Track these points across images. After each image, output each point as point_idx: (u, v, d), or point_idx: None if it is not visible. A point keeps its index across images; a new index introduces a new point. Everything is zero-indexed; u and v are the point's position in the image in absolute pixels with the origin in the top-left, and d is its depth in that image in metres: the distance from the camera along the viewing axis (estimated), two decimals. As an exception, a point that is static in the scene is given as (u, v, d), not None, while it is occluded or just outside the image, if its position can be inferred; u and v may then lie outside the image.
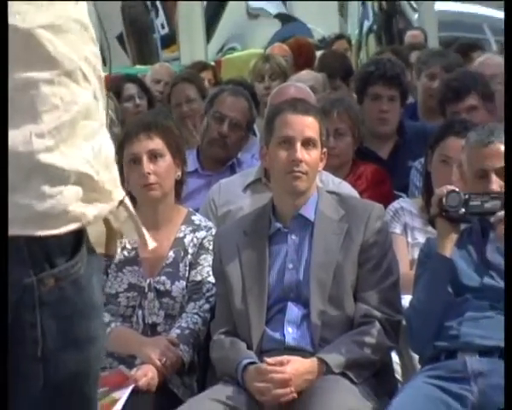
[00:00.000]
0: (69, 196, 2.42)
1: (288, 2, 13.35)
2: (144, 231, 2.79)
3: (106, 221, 2.72)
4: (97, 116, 2.55)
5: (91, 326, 2.79)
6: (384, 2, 13.29)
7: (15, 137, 2.38)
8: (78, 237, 2.57)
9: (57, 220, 2.44)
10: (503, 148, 5.08)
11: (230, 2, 13.56)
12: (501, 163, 5.03)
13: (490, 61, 8.05)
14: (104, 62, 2.68)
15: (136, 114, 8.01)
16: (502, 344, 4.77)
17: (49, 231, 2.42)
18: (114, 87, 9.28)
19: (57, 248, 2.52)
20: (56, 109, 2.39)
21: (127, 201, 2.68)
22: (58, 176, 2.39)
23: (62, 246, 2.54)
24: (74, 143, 2.43)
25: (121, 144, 5.74)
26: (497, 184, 4.99)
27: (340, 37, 12.23)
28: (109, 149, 2.65)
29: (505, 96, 3.63)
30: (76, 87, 2.44)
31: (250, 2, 13.50)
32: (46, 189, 2.38)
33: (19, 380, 2.61)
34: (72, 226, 2.45)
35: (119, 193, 2.63)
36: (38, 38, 2.41)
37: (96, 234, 2.63)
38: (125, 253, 5.47)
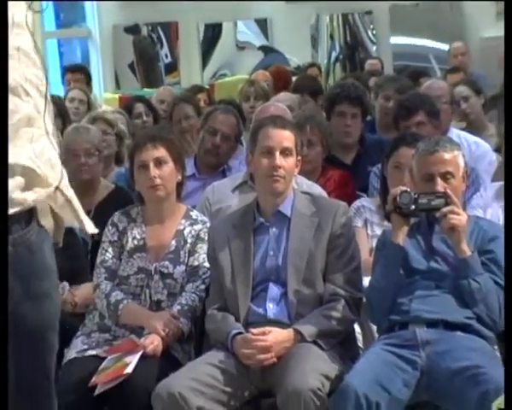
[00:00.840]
0: (12, 186, 2.48)
1: (269, 36, 13.32)
2: (83, 215, 2.82)
3: (53, 213, 2.81)
4: (40, 125, 2.59)
5: (45, 285, 2.91)
6: (348, 37, 13.28)
7: None
8: (30, 213, 2.74)
9: (10, 204, 2.56)
10: (446, 156, 5.14)
11: (222, 37, 13.53)
12: (444, 168, 5.09)
13: (435, 84, 8.09)
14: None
15: (144, 129, 8.01)
16: (445, 317, 4.88)
17: None
18: (126, 106, 9.31)
19: (15, 223, 2.67)
20: None
21: (64, 187, 2.72)
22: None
23: (18, 221, 2.67)
24: (18, 144, 2.45)
25: (132, 153, 5.77)
26: (441, 185, 5.04)
27: (312, 65, 12.22)
28: (52, 152, 2.68)
29: (505, 97, 3.60)
30: (18, 100, 2.45)
31: (238, 36, 13.49)
32: None
33: None
34: (16, 209, 2.57)
35: (56, 180, 2.68)
36: None
37: (48, 226, 2.70)
38: (135, 242, 5.50)
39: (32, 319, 2.92)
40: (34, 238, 2.75)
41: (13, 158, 2.47)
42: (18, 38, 2.75)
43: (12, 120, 2.46)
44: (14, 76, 2.56)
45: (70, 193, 2.78)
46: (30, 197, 2.57)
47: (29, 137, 2.51)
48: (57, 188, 2.67)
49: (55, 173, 2.66)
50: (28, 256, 2.77)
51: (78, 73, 11.72)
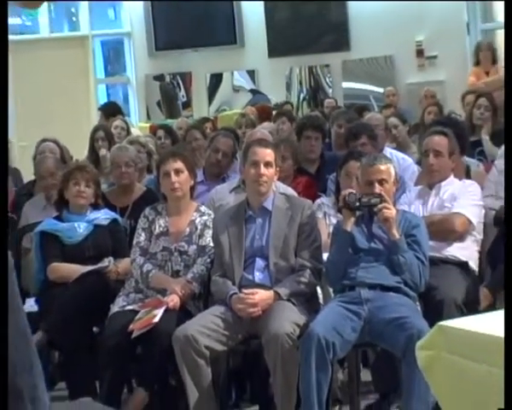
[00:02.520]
0: None
1: (256, 82, 13.29)
2: None
3: None
4: None
5: None
6: (312, 83, 13.24)
7: None
8: None
9: None
10: (381, 167, 5.14)
11: (223, 83, 13.54)
12: (380, 176, 5.10)
13: (373, 117, 8.06)
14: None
15: (163, 148, 8.00)
16: (381, 282, 4.91)
17: None
18: (154, 132, 9.34)
19: None
20: None
21: None
22: None
23: None
24: None
25: (158, 165, 5.80)
26: (378, 188, 5.05)
27: (286, 102, 12.16)
28: None
29: (505, 98, 3.09)
30: None
31: (234, 82, 13.49)
32: None
33: None
34: None
35: None
36: None
37: None
38: (161, 228, 5.47)
39: None
40: None
41: None
42: None
43: None
44: None
45: None
46: None
47: None
48: None
49: None
50: None
51: (117, 108, 11.69)
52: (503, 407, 2.90)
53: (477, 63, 11.14)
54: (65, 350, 5.55)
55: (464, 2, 12.53)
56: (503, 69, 11.35)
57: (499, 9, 13.29)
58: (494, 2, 13.24)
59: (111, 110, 11.17)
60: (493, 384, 3.19)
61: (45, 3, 11.71)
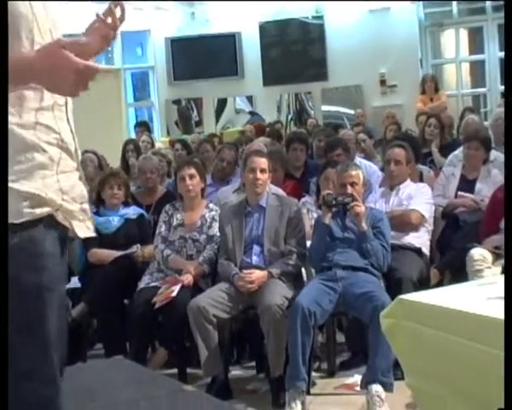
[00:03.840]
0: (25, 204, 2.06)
1: (253, 105, 13.28)
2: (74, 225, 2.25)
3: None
4: (53, 168, 2.13)
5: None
6: (298, 106, 13.23)
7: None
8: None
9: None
10: (353, 173, 5.13)
11: (227, 106, 13.54)
12: (352, 180, 5.08)
13: (347, 133, 8.08)
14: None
15: (180, 158, 7.97)
16: (353, 264, 4.89)
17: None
18: (173, 145, 9.33)
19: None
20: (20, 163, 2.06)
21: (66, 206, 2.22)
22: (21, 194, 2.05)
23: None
24: (32, 178, 2.09)
25: (176, 171, 5.79)
26: (350, 190, 5.03)
27: (277, 122, 12.12)
28: (78, 188, 2.25)
29: (505, 100, 2.84)
30: (35, 153, 2.09)
31: (236, 105, 13.49)
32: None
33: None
34: (27, 218, 2.08)
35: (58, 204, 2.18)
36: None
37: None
38: (178, 221, 5.46)
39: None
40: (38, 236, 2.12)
41: (25, 187, 2.06)
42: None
43: (27, 165, 2.08)
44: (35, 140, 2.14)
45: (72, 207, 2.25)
46: (37, 212, 2.08)
47: (43, 175, 2.11)
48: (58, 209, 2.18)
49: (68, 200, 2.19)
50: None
51: (146, 126, 11.77)
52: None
53: (423, 92, 11.39)
54: (102, 318, 5.55)
55: (418, 41, 12.56)
56: (445, 95, 11.48)
57: (446, 47, 13.32)
58: (443, 42, 13.27)
59: (144, 126, 11.57)
60: (440, 345, 3.18)
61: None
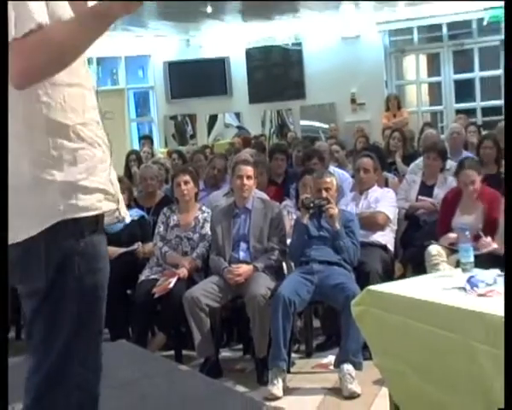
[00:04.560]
0: (93, 199, 1.94)
1: (241, 120, 13.26)
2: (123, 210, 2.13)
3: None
4: (107, 162, 2.01)
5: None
6: (279, 121, 13.22)
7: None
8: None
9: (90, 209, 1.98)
10: (327, 179, 5.12)
11: (218, 121, 13.50)
12: (326, 185, 5.06)
13: (322, 145, 8.07)
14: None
15: (176, 166, 7.92)
16: (327, 259, 4.86)
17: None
18: (170, 155, 9.29)
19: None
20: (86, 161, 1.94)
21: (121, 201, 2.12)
22: (88, 189, 1.93)
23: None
24: (96, 174, 1.95)
25: (172, 178, 5.80)
26: (325, 194, 5.02)
27: (261, 135, 12.07)
28: (115, 179, 2.09)
29: (505, 100, 2.43)
30: (94, 149, 1.96)
31: (225, 120, 13.42)
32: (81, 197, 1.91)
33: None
34: (96, 212, 1.97)
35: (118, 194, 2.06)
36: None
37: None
38: (174, 222, 5.42)
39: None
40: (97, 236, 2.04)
41: (94, 184, 1.95)
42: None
43: (93, 161, 1.95)
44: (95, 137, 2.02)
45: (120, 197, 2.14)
46: (106, 206, 2.00)
47: (103, 169, 1.99)
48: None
49: (116, 191, 2.08)
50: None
51: (147, 139, 11.72)
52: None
53: (388, 109, 11.41)
54: (107, 306, 5.50)
55: (383, 65, 12.59)
56: (406, 112, 11.52)
57: (408, 70, 13.36)
58: (405, 65, 13.30)
59: (148, 139, 11.62)
60: (402, 329, 3.19)
61: (94, 66, 11.56)
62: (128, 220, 2.19)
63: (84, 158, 1.92)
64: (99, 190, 1.96)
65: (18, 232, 1.86)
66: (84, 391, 1.99)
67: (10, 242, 1.86)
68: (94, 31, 1.80)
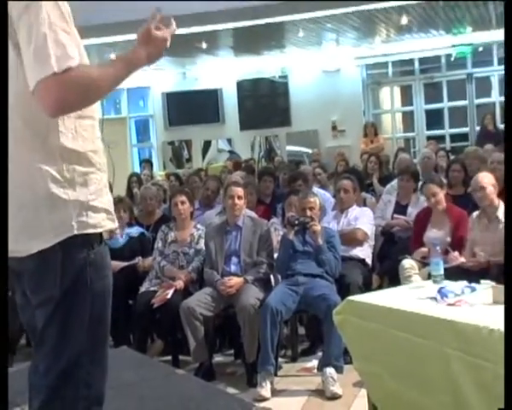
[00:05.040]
0: (101, 218, 2.01)
1: (232, 146, 13.27)
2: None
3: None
4: (107, 186, 2.07)
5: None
6: (267, 146, 13.23)
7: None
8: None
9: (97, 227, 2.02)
10: (311, 199, 5.13)
11: (211, 146, 13.48)
12: (310, 205, 5.07)
13: (306, 168, 8.10)
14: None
15: (173, 188, 7.89)
16: (311, 272, 4.84)
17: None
18: (168, 177, 9.27)
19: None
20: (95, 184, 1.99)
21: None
22: (96, 209, 1.98)
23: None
24: (103, 196, 2.01)
25: (170, 198, 5.80)
26: (309, 213, 5.02)
27: (251, 159, 12.01)
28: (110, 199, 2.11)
29: (505, 99, 2.52)
30: (101, 174, 2.02)
31: (218, 146, 13.38)
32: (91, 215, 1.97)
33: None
34: (102, 229, 2.02)
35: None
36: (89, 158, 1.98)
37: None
38: (172, 238, 5.40)
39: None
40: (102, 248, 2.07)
41: (101, 204, 2.00)
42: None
43: (100, 184, 2.00)
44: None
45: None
46: (109, 225, 2.03)
47: (106, 192, 2.03)
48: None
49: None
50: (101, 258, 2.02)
51: (147, 162, 11.71)
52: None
53: (365, 135, 11.50)
54: (111, 315, 5.47)
55: (361, 96, 12.65)
56: (382, 138, 11.58)
57: (384, 101, 13.43)
58: (381, 96, 13.38)
59: (149, 162, 11.60)
60: (380, 336, 3.19)
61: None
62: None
63: (93, 181, 1.97)
64: (104, 209, 2.00)
65: (34, 245, 1.89)
66: (92, 390, 2.00)
67: (26, 254, 1.89)
68: (123, 75, 1.93)
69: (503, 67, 12.34)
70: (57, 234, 1.89)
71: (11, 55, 1.83)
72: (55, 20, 1.79)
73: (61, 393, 1.93)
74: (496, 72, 12.51)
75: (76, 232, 1.90)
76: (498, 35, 11.55)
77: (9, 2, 1.82)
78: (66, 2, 1.89)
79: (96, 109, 2.06)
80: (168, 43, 2.02)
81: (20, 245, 1.90)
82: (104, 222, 2.00)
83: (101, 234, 2.02)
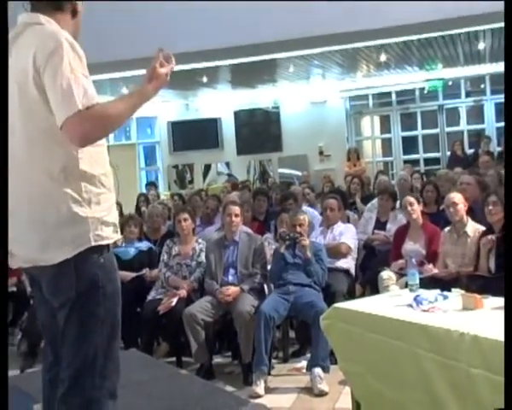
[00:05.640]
0: (110, 231, 2.10)
1: (230, 169, 13.28)
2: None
3: None
4: (115, 204, 2.18)
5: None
6: (262, 169, 13.22)
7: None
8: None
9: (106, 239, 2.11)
10: (301, 217, 5.11)
11: (211, 170, 13.45)
12: (300, 222, 5.05)
13: (296, 188, 8.05)
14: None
15: (177, 206, 7.86)
16: (300, 282, 4.82)
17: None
18: (172, 197, 9.24)
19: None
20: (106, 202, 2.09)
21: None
22: (107, 223, 2.09)
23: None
24: (112, 212, 2.12)
25: (174, 216, 5.79)
26: (298, 229, 5.01)
27: (247, 181, 12.05)
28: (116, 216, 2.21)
29: (505, 98, 2.35)
30: (111, 194, 2.14)
31: (218, 169, 13.37)
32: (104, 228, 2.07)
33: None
34: (111, 241, 2.11)
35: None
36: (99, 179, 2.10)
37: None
38: (176, 252, 5.38)
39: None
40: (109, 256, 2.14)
41: (111, 219, 2.11)
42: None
43: (110, 202, 2.11)
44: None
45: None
46: (116, 237, 2.13)
47: (115, 209, 2.14)
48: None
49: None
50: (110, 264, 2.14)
51: (153, 184, 11.70)
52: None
53: (349, 159, 11.54)
54: (121, 321, 5.44)
55: (345, 124, 12.71)
56: (364, 162, 11.61)
57: (365, 129, 13.49)
58: (362, 125, 13.44)
59: (153, 185, 11.47)
60: (363, 339, 3.18)
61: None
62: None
63: (105, 200, 2.07)
64: (113, 223, 2.11)
65: (58, 255, 1.98)
66: (107, 381, 2.08)
67: (51, 263, 1.99)
68: (134, 107, 2.04)
69: (470, 99, 12.55)
70: (77, 246, 1.99)
71: (34, 94, 1.93)
72: (76, 66, 1.91)
73: (80, 382, 2.01)
74: (464, 103, 12.61)
75: (93, 244, 2.01)
76: (466, 71, 11.67)
77: (37, 54, 1.91)
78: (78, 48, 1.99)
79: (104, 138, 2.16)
80: (169, 77, 2.12)
81: (45, 255, 1.99)
82: (113, 234, 2.10)
83: (108, 243, 2.12)
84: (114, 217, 2.13)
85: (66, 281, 2.00)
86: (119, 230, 2.17)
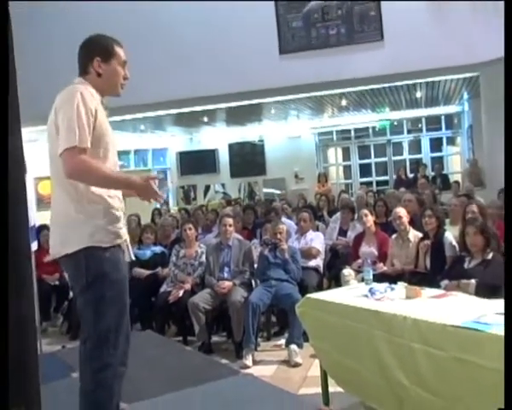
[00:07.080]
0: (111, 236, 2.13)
1: (226, 188, 13.24)
2: (129, 250, 2.27)
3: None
4: (122, 219, 2.21)
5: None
6: (250, 188, 13.20)
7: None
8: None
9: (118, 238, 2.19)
10: (280, 227, 5.01)
11: (210, 190, 13.35)
12: (279, 231, 4.98)
13: (277, 204, 8.02)
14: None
15: (183, 218, 7.77)
16: (280, 277, 4.76)
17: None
18: (180, 211, 9.17)
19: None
20: (110, 215, 2.14)
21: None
22: (113, 231, 2.14)
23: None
24: (117, 223, 2.17)
25: (181, 226, 5.72)
26: (278, 236, 4.95)
27: (238, 198, 12.03)
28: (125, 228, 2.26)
29: (505, 97, 1.96)
30: (116, 212, 2.18)
31: (215, 188, 13.33)
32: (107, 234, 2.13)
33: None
34: (114, 243, 2.13)
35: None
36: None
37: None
38: (183, 254, 5.35)
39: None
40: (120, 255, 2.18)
41: (115, 229, 2.15)
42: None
43: (113, 216, 2.14)
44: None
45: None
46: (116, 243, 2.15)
47: (120, 222, 2.18)
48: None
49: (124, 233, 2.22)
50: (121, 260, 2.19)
51: (164, 202, 11.59)
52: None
53: (318, 181, 11.56)
54: (139, 308, 5.41)
55: (315, 154, 12.77)
56: (330, 183, 11.64)
57: (330, 157, 13.54)
58: (328, 154, 13.50)
59: (165, 201, 11.27)
60: (329, 322, 3.18)
61: (131, 155, 11.49)
62: (128, 260, 2.28)
63: (108, 214, 2.12)
64: (116, 233, 2.13)
65: (65, 250, 2.07)
66: (119, 350, 2.11)
67: (59, 256, 2.10)
68: (119, 185, 2.12)
69: (410, 135, 12.71)
70: (79, 244, 2.05)
71: (54, 131, 2.04)
72: (82, 114, 1.99)
73: (96, 353, 2.06)
74: (406, 138, 12.78)
75: (89, 245, 2.04)
76: (407, 113, 11.85)
77: (57, 101, 2.04)
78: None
79: (115, 165, 2.19)
80: (158, 197, 2.16)
81: (58, 250, 2.10)
82: (114, 241, 2.11)
83: (119, 245, 2.14)
84: (119, 228, 2.14)
85: (78, 273, 2.06)
86: (122, 237, 2.17)
